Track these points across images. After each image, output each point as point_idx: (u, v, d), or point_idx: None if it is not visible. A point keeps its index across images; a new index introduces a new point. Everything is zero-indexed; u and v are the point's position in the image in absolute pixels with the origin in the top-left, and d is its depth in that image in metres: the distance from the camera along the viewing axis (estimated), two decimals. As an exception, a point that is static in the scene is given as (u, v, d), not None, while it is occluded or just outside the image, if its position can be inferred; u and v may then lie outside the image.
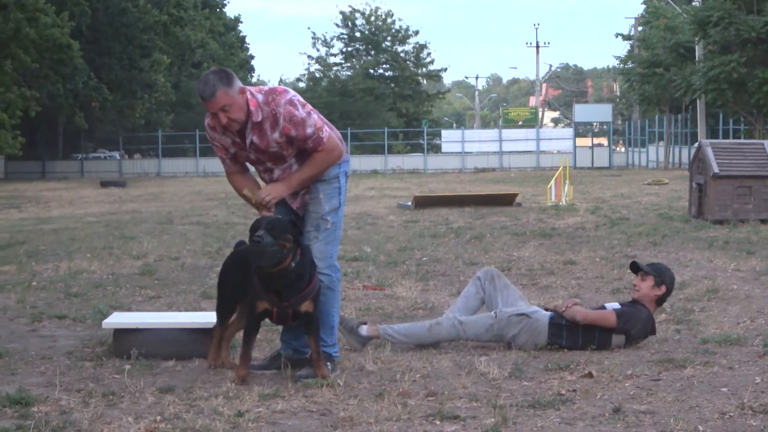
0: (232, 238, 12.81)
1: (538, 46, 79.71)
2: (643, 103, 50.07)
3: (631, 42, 56.97)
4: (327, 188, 5.63)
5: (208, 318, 6.12)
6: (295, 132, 5.41)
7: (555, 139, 56.05)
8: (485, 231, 14.13)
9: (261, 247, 5.21)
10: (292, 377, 5.47)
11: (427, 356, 5.99)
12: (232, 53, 66.59)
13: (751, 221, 14.32)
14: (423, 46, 70.34)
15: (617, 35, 58.71)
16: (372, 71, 69.19)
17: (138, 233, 14.55)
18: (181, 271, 10.19)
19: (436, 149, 58.36)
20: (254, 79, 76.00)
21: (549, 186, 21.60)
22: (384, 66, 70.18)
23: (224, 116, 5.34)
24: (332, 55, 71.15)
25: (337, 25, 71.03)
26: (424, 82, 73.37)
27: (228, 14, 71.66)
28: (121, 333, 6.06)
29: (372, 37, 69.75)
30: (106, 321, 6.29)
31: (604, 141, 60.03)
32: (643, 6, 55.89)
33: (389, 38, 70.11)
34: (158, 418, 4.68)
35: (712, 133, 44.53)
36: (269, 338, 6.52)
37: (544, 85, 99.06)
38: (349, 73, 69.50)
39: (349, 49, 70.86)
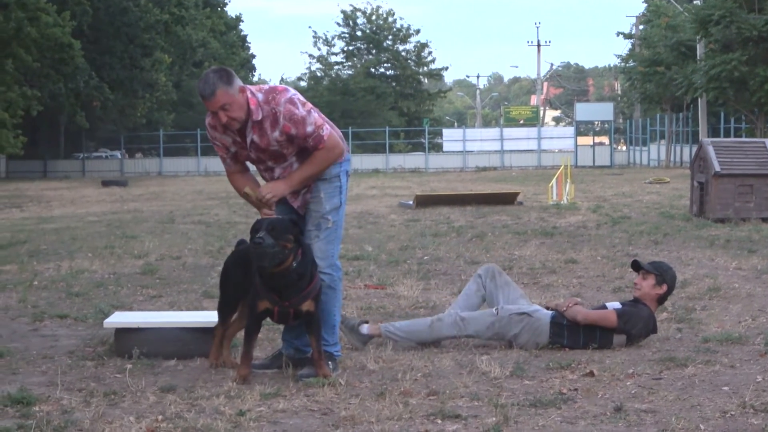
0: (233, 237, 12.81)
1: (539, 45, 79.72)
2: (644, 102, 50.07)
3: (632, 40, 56.94)
4: (328, 187, 5.63)
5: (209, 317, 6.13)
6: (295, 130, 5.41)
7: (556, 137, 56.02)
8: (486, 230, 14.13)
9: (262, 248, 5.21)
10: (294, 376, 5.47)
11: (429, 355, 5.99)
12: (233, 52, 66.61)
13: (752, 220, 14.31)
14: (424, 45, 70.38)
15: (618, 34, 58.73)
16: (373, 70, 69.21)
17: (139, 232, 14.55)
18: (183, 271, 10.20)
19: (437, 148, 58.37)
20: (255, 78, 75.97)
21: (550, 185, 21.59)
22: (385, 65, 70.22)
23: (224, 115, 5.34)
24: (333, 54, 71.27)
25: (338, 24, 71.15)
26: (426, 80, 73.40)
27: (229, 13, 71.73)
28: (122, 332, 6.06)
29: (373, 36, 69.77)
30: (107, 320, 6.29)
31: (605, 140, 60.03)
32: (645, 4, 55.84)
33: (390, 37, 70.13)
34: (160, 417, 4.68)
35: (714, 132, 44.51)
36: (270, 337, 6.52)
37: (546, 84, 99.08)
38: (350, 72, 69.55)
39: (351, 48, 70.90)
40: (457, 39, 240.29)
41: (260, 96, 5.41)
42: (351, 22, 70.52)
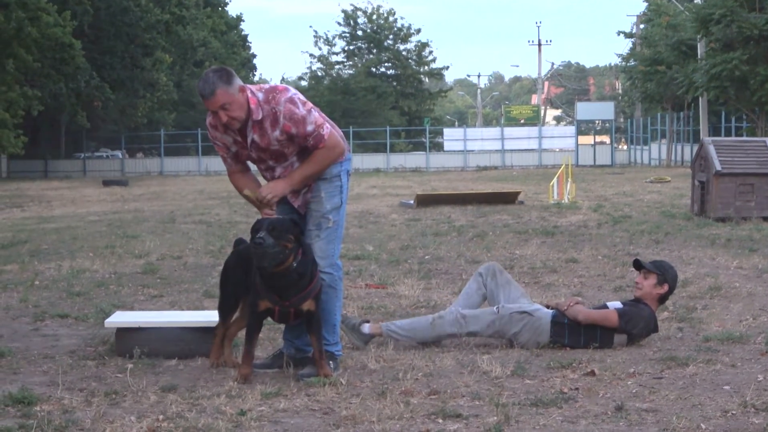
0: (234, 236, 12.74)
1: (540, 44, 79.70)
2: (645, 101, 50.08)
3: (633, 40, 56.94)
4: (329, 186, 5.63)
5: (210, 317, 6.12)
6: (295, 130, 5.41)
7: (557, 137, 56.03)
8: (487, 229, 14.12)
9: (263, 248, 5.21)
10: (295, 376, 5.47)
11: (430, 355, 5.99)
12: (234, 52, 66.63)
13: (753, 219, 14.31)
14: (425, 45, 70.41)
15: (619, 33, 58.69)
16: (374, 69, 69.23)
17: (140, 232, 14.55)
18: (184, 270, 10.20)
19: (438, 147, 58.40)
20: (256, 78, 76.02)
21: (551, 184, 21.58)
22: (386, 64, 70.24)
23: (224, 114, 5.34)
24: (334, 53, 71.32)
25: (339, 23, 71.20)
26: (426, 80, 73.41)
27: (230, 13, 71.76)
28: (123, 332, 6.06)
29: (374, 36, 69.78)
30: (108, 320, 6.29)
31: (606, 139, 60.06)
32: (645, 3, 55.85)
33: (391, 36, 70.15)
34: (161, 417, 4.68)
35: (715, 131, 44.51)
36: (271, 337, 6.52)
37: (546, 83, 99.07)
38: (351, 71, 69.57)
39: (351, 47, 70.92)
40: (458, 38, 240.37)
41: (260, 95, 5.41)
42: (352, 22, 70.55)
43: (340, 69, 70.60)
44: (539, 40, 79.83)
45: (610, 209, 17.67)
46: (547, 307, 6.42)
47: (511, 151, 53.26)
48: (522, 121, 59.75)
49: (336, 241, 5.67)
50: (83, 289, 8.81)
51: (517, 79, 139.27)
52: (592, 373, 5.46)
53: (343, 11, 71.01)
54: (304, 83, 70.57)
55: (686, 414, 4.64)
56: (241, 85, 5.37)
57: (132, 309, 7.66)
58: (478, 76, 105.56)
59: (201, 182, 38.51)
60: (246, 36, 74.97)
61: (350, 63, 70.88)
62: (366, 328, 6.25)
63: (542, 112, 74.02)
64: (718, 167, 14.53)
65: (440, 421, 4.61)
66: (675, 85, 40.81)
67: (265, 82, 60.77)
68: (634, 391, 5.11)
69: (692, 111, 45.86)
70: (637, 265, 6.43)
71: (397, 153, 56.75)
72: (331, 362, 5.55)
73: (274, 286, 5.35)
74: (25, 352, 6.24)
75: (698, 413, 4.67)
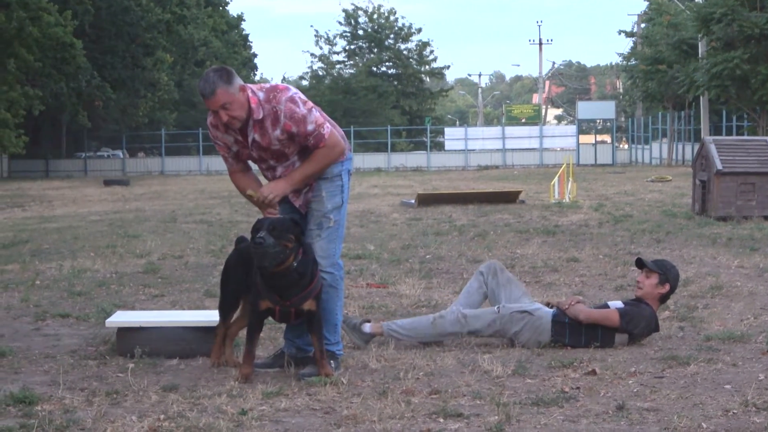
0: (235, 236, 12.74)
1: (541, 44, 79.69)
2: (646, 100, 50.08)
3: (634, 39, 56.94)
4: (330, 186, 5.62)
5: (211, 316, 6.12)
6: (296, 129, 5.41)
7: (558, 136, 56.01)
8: (488, 228, 14.12)
9: (263, 248, 5.21)
10: (296, 375, 5.47)
11: (431, 354, 5.99)
12: (234, 51, 66.66)
13: (754, 218, 14.30)
14: (426, 44, 70.40)
15: (620, 32, 58.69)
16: (375, 69, 69.23)
17: (141, 232, 14.55)
18: (185, 270, 10.20)
19: (439, 147, 58.44)
20: (257, 77, 76.07)
21: (552, 183, 21.58)
22: (387, 64, 70.24)
23: (225, 114, 5.34)
24: (335, 53, 71.33)
25: (339, 22, 71.19)
26: (427, 79, 73.41)
27: (231, 12, 71.83)
28: (124, 331, 6.06)
29: (375, 35, 69.78)
30: (109, 319, 6.29)
31: (607, 138, 60.08)
32: (646, 3, 55.84)
33: (392, 36, 70.15)
34: (162, 416, 4.68)
35: (716, 130, 44.49)
36: (272, 336, 6.52)
37: (547, 83, 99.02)
38: (352, 70, 69.56)
39: (352, 46, 70.93)
40: (459, 37, 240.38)
41: (261, 95, 5.41)
42: (353, 21, 70.55)
43: (341, 68, 70.62)
44: (540, 40, 79.85)
45: (611, 208, 17.67)
46: (548, 305, 6.41)
47: (512, 150, 53.25)
48: (523, 121, 59.75)
49: (337, 241, 5.67)
50: (84, 288, 8.82)
51: (518, 79, 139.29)
52: (593, 372, 5.46)
53: (344, 10, 71.10)
54: (305, 83, 70.56)
55: (687, 413, 4.63)
56: (241, 84, 5.37)
57: (133, 308, 7.66)
58: (479, 75, 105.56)
59: (202, 182, 38.52)
60: (247, 35, 75.01)
61: (351, 62, 70.89)
62: (367, 327, 6.25)
63: (543, 111, 73.98)
64: (719, 166, 14.53)
65: (441, 420, 4.61)
66: (676, 84, 40.80)
67: (266, 81, 60.85)
68: (635, 390, 5.11)
69: (693, 110, 45.84)
70: (639, 264, 6.43)
71: (398, 152, 56.75)
72: (332, 362, 5.55)
73: (274, 286, 5.35)
74: (27, 351, 6.24)
75: (699, 412, 4.67)
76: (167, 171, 53.33)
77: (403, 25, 70.38)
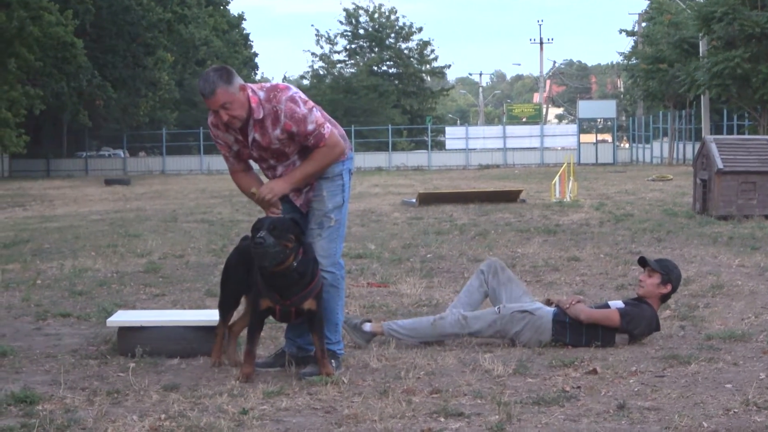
0: (236, 235, 12.82)
1: (541, 43, 79.66)
2: (647, 99, 50.06)
3: (635, 38, 56.93)
4: (330, 185, 5.62)
5: (212, 316, 6.12)
6: (296, 128, 5.41)
7: (559, 135, 56.01)
8: (489, 228, 14.12)
9: (263, 248, 5.22)
10: (297, 375, 5.47)
11: (432, 353, 5.99)
12: (235, 51, 66.65)
13: (755, 217, 14.30)
14: (427, 43, 70.38)
15: (621, 31, 58.63)
16: (376, 68, 69.23)
17: (142, 231, 14.56)
18: (186, 269, 10.20)
19: (440, 146, 58.43)
20: (258, 77, 76.05)
21: (553, 182, 21.58)
22: (388, 63, 70.24)
23: (225, 113, 5.34)
24: (336, 52, 71.32)
25: (340, 22, 71.23)
26: (428, 78, 73.40)
27: (231, 11, 71.80)
28: (125, 331, 6.06)
29: (376, 34, 69.77)
30: (110, 319, 6.30)
31: (608, 137, 60.07)
32: (647, 2, 55.81)
33: (393, 35, 70.13)
34: (163, 416, 4.68)
35: (717, 129, 44.49)
36: (273, 336, 6.52)
37: (548, 82, 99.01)
38: (353, 70, 69.54)
39: (353, 46, 70.91)
40: (460, 37, 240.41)
41: (261, 94, 5.41)
42: (353, 20, 70.54)
43: (341, 68, 70.61)
44: (541, 39, 79.81)
45: (612, 207, 17.66)
46: (549, 302, 6.41)
47: (513, 149, 53.26)
48: (524, 120, 59.72)
49: (338, 240, 5.67)
50: (85, 288, 8.82)
51: (518, 78, 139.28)
52: (594, 371, 5.46)
53: (345, 10, 71.14)
54: (305, 82, 70.58)
55: (688, 412, 4.63)
56: (241, 83, 5.37)
57: (134, 308, 7.66)
58: (480, 74, 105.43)
59: (203, 181, 38.52)
60: (248, 35, 75.00)
61: (352, 62, 70.87)
62: (368, 326, 6.26)
63: (544, 110, 73.99)
64: (720, 165, 14.53)
65: (442, 419, 4.61)
66: (677, 83, 40.77)
67: (266, 80, 60.79)
68: (636, 389, 5.11)
69: (694, 109, 45.82)
70: (642, 262, 6.42)
71: (399, 151, 56.76)
72: (333, 361, 5.55)
73: (274, 286, 5.36)
74: (28, 351, 6.24)
75: (700, 411, 4.67)
76: (168, 170, 53.34)
77: (404, 24, 70.41)
